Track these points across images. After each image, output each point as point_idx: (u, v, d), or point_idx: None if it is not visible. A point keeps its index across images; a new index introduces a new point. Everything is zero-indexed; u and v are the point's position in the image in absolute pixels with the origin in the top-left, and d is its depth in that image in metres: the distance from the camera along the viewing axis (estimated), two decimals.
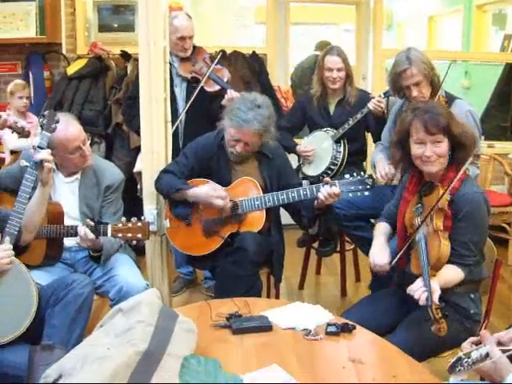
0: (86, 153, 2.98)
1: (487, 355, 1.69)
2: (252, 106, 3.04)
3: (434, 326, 2.18)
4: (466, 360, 1.72)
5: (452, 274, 2.40)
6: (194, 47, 4.01)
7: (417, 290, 2.26)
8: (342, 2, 6.77)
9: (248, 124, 3.02)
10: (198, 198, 3.12)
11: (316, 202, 3.00)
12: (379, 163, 3.48)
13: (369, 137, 4.25)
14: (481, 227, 2.46)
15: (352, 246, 4.32)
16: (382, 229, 2.79)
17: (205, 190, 3.10)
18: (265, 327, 2.20)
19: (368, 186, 2.91)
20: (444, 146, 2.46)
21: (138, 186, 4.38)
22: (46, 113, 2.66)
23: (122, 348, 1.73)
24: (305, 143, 4.15)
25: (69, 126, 2.90)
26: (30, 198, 2.60)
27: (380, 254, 2.62)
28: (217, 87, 3.88)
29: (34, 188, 2.59)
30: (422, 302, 2.21)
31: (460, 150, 2.47)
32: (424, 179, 2.58)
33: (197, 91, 3.83)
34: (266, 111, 3.06)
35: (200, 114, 3.87)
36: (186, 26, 3.89)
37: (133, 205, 3.69)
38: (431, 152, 2.46)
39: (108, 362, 1.68)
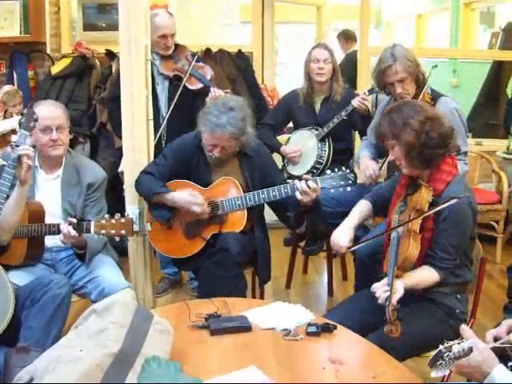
0: (55, 137, 2.91)
1: (471, 350, 1.66)
2: (225, 109, 2.96)
3: (387, 327, 2.15)
4: (446, 354, 1.69)
5: (424, 275, 2.38)
6: (177, 45, 3.95)
7: (379, 288, 2.24)
8: (306, 3, 6.76)
9: (221, 129, 2.93)
10: (176, 204, 3.08)
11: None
12: (364, 160, 3.44)
13: (355, 135, 4.21)
14: (462, 231, 2.42)
15: None
16: (360, 207, 2.76)
17: (183, 195, 3.06)
18: (244, 327, 2.16)
19: (350, 181, 2.87)
20: (396, 151, 2.44)
21: (124, 186, 4.34)
22: (24, 111, 2.65)
23: (95, 350, 1.69)
24: (290, 143, 4.11)
25: (50, 105, 3.00)
26: (7, 198, 2.57)
27: (341, 234, 2.61)
28: (199, 85, 3.82)
29: (13, 186, 2.57)
30: (380, 301, 2.19)
31: (423, 149, 2.38)
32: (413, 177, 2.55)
33: (180, 89, 3.79)
34: (239, 113, 2.98)
35: (183, 112, 3.80)
36: (167, 24, 3.82)
37: (118, 204, 3.65)
38: (392, 157, 2.50)
39: (79, 364, 1.64)
